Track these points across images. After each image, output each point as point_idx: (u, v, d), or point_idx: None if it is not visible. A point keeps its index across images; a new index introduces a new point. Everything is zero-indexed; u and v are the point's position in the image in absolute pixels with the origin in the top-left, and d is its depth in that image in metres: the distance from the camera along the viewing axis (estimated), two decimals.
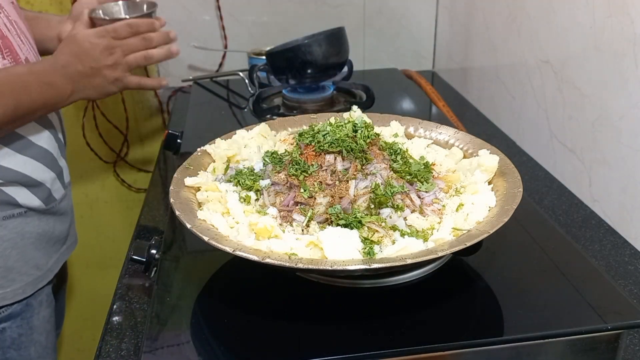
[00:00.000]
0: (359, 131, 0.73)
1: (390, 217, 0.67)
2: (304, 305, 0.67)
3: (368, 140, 0.72)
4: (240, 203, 0.70)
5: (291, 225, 0.67)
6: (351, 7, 1.59)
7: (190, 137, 1.12)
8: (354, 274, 0.67)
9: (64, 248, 1.01)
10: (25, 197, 0.89)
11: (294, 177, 0.69)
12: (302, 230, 0.66)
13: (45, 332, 0.99)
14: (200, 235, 0.62)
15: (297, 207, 0.68)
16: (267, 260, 0.58)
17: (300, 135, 0.75)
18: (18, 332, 0.93)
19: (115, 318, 0.83)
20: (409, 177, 0.71)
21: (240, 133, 0.86)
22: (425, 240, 0.64)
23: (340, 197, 0.67)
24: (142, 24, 0.95)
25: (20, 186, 0.88)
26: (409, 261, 0.58)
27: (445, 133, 0.87)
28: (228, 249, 0.60)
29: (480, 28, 1.40)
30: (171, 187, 0.72)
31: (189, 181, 0.74)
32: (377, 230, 0.65)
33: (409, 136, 0.88)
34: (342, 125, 0.73)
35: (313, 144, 0.72)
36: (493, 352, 0.62)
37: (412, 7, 1.62)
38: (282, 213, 0.68)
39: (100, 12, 1.05)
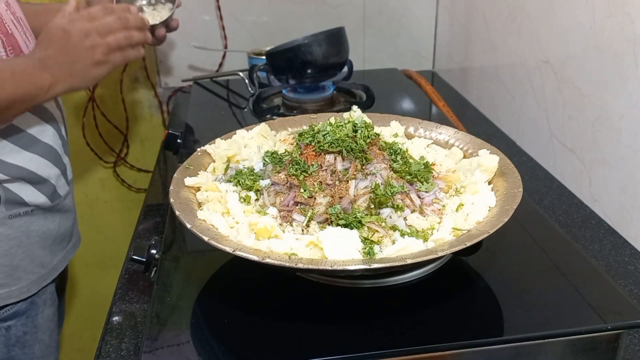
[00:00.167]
0: (359, 131, 0.73)
1: (390, 217, 0.67)
2: (304, 305, 0.67)
3: (368, 140, 0.72)
4: (240, 203, 0.70)
5: (291, 225, 0.67)
6: (351, 7, 1.59)
7: (190, 137, 1.12)
8: (354, 274, 0.67)
9: (69, 246, 1.02)
10: (31, 194, 0.89)
11: (294, 177, 0.69)
12: (302, 230, 0.66)
13: (49, 331, 0.99)
14: (200, 235, 0.62)
15: (297, 207, 0.68)
16: (267, 260, 0.58)
17: (300, 135, 0.75)
18: (23, 330, 0.94)
19: (115, 318, 0.83)
20: (409, 177, 0.71)
21: (240, 133, 0.86)
22: (425, 240, 0.64)
23: (340, 197, 0.67)
24: (117, 7, 0.93)
25: (25, 183, 0.88)
26: (409, 261, 0.58)
27: (445, 133, 0.87)
28: (228, 249, 0.60)
29: (480, 28, 1.40)
30: (171, 187, 0.72)
31: (189, 181, 0.74)
32: (377, 230, 0.65)
33: (409, 136, 0.88)
34: (342, 125, 0.73)
35: (313, 144, 0.72)
36: (493, 352, 0.62)
37: (412, 7, 1.62)
38: (282, 213, 0.68)
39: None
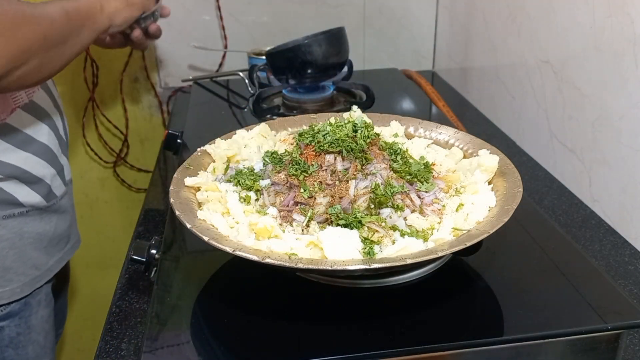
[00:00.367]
0: (359, 131, 0.73)
1: (390, 217, 0.67)
2: (304, 305, 0.67)
3: (368, 140, 0.72)
4: (240, 203, 0.70)
5: (291, 225, 0.67)
6: (351, 7, 1.59)
7: (190, 137, 1.12)
8: (354, 274, 0.67)
9: (67, 247, 1.01)
10: (25, 194, 0.89)
11: (294, 177, 0.69)
12: (302, 230, 0.66)
13: (43, 332, 0.98)
14: (200, 235, 0.62)
15: (297, 207, 0.68)
16: (267, 260, 0.58)
17: (300, 135, 0.75)
18: (16, 331, 0.93)
19: (115, 318, 0.83)
20: (409, 177, 0.71)
21: (240, 133, 0.86)
22: (425, 240, 0.64)
23: (340, 197, 0.67)
24: None
25: (19, 183, 0.88)
26: (409, 261, 0.58)
27: (445, 133, 0.87)
28: (228, 249, 0.60)
29: (480, 28, 1.40)
30: (171, 187, 0.72)
31: (189, 181, 0.74)
32: (377, 230, 0.65)
33: (409, 136, 0.88)
34: (342, 125, 0.73)
35: (313, 144, 0.72)
36: (493, 352, 0.62)
37: (412, 7, 1.62)
38: (282, 213, 0.68)
39: None
